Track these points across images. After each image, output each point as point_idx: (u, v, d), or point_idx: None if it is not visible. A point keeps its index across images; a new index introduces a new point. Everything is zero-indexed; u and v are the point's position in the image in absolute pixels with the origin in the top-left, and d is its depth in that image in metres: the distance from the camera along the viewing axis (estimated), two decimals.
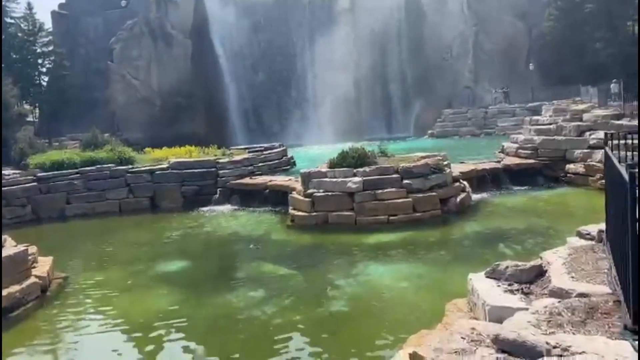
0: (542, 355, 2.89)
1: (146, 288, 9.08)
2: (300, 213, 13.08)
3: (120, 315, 7.87)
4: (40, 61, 39.62)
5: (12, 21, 38.87)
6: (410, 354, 3.95)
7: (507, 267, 4.32)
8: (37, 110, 39.27)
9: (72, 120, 33.84)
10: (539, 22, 38.08)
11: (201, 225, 14.13)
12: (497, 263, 4.41)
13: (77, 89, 38.07)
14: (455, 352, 3.19)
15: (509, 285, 4.14)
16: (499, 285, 4.15)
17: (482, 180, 15.34)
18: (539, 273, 4.22)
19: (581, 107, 18.04)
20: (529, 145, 17.32)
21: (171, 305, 8.11)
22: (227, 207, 16.17)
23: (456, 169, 14.52)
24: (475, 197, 14.02)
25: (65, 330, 7.52)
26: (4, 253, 8.42)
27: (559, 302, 3.53)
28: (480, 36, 39.90)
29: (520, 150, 17.57)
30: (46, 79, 39.56)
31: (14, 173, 17.27)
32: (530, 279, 4.18)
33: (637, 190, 2.73)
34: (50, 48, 39.55)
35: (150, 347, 6.71)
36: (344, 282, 8.60)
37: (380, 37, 39.81)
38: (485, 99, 38.16)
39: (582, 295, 3.62)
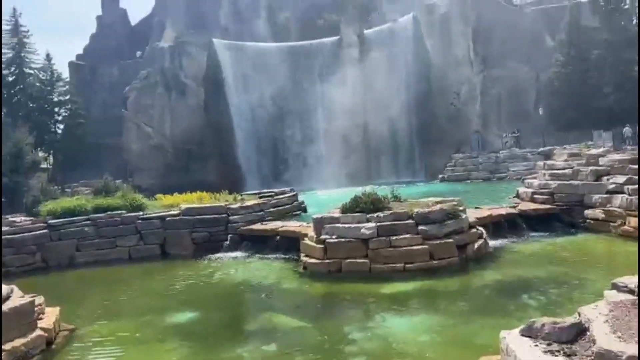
0: None
1: (155, 341, 8.73)
2: (312, 260, 12.76)
3: None
4: (56, 109, 40.67)
5: (31, 72, 40.18)
6: None
7: (543, 324, 4.01)
8: (51, 158, 39.87)
9: (86, 167, 34.23)
10: (546, 68, 38.57)
11: (211, 273, 13.82)
12: (532, 320, 4.10)
13: (92, 136, 38.83)
14: None
15: (548, 345, 3.82)
16: (536, 345, 3.83)
17: (498, 226, 14.97)
18: (580, 331, 3.91)
19: (596, 151, 17.84)
20: (545, 190, 17.03)
21: (180, 359, 7.75)
22: (237, 254, 15.87)
23: (472, 214, 14.21)
24: (492, 243, 13.63)
25: None
26: (10, 305, 8.18)
27: None
28: (488, 81, 40.38)
29: (536, 195, 17.26)
30: (61, 126, 40.45)
31: (24, 220, 17.22)
32: (571, 338, 3.86)
33: None
34: (67, 97, 40.65)
35: None
36: (361, 335, 8.20)
37: (388, 83, 40.40)
38: (495, 143, 38.16)
39: (631, 358, 3.30)
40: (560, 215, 15.97)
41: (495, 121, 39.89)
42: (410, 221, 12.50)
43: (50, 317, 9.08)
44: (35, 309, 8.67)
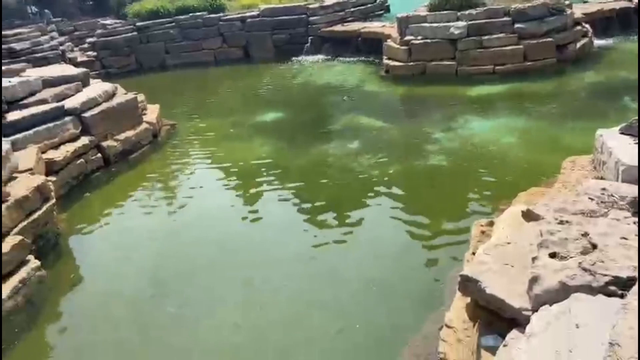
0: None
1: (247, 137, 9.43)
2: (395, 63, 12.38)
3: (224, 161, 8.35)
4: None
5: None
6: (523, 212, 3.73)
7: None
8: None
9: None
10: None
11: (293, 76, 14.00)
12: (635, 118, 3.83)
13: None
14: (583, 213, 2.91)
15: None
16: (636, 143, 3.64)
17: (609, 22, 13.27)
18: None
19: None
20: None
21: (270, 153, 8.44)
22: (318, 57, 15.73)
23: (578, 9, 12.58)
24: (598, 42, 12.28)
25: (177, 171, 8.20)
26: (117, 100, 8.98)
27: None
28: None
29: None
30: None
31: (115, 22, 17.76)
32: None
33: None
34: None
35: (251, 187, 7.17)
36: (443, 135, 8.29)
37: None
38: None
39: None
40: None
41: None
42: (506, 18, 11.37)
43: (152, 113, 9.93)
44: (139, 105, 9.47)
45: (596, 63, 11.22)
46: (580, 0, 14.17)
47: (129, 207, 7.11)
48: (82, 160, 7.88)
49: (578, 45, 11.56)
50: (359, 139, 8.55)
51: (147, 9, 17.69)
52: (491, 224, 4.21)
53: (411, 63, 12.04)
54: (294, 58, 15.90)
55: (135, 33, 17.22)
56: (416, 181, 6.91)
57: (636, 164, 3.33)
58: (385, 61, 12.72)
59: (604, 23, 13.26)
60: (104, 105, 8.67)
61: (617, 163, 3.46)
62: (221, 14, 17.43)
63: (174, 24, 17.33)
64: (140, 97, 9.86)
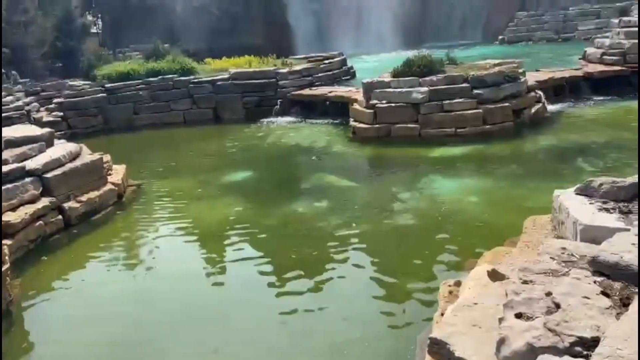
0: None
1: (214, 197, 9.36)
2: (361, 125, 12.76)
3: (191, 221, 8.22)
4: None
5: None
6: (489, 271, 3.77)
7: (601, 183, 3.92)
8: (100, 22, 39.65)
9: (133, 31, 33.98)
10: None
11: (263, 136, 14.20)
12: (590, 179, 4.02)
13: None
14: (545, 272, 2.96)
15: (604, 203, 3.77)
16: (591, 203, 3.80)
17: (559, 89, 14.18)
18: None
19: None
20: (617, 50, 15.60)
21: (238, 213, 8.36)
22: (287, 119, 16.08)
23: (531, 77, 13.43)
24: (551, 108, 13.04)
25: (142, 232, 7.98)
26: (82, 161, 8.84)
27: None
28: None
29: (605, 57, 15.89)
30: None
31: (84, 84, 17.82)
32: (629, 197, 3.78)
33: None
34: None
35: (219, 249, 7.02)
36: (409, 195, 8.45)
37: None
38: None
39: None
40: (631, 78, 14.78)
41: None
42: (465, 85, 12.01)
43: (118, 173, 9.79)
44: (104, 165, 9.34)
45: (550, 127, 11.85)
46: (532, 68, 15.15)
47: (89, 272, 6.82)
48: (41, 222, 7.62)
49: (533, 110, 12.23)
50: (327, 199, 8.61)
51: (118, 71, 17.90)
52: (458, 283, 4.24)
53: (377, 125, 12.43)
54: (263, 120, 16.19)
55: (104, 94, 17.28)
56: (384, 241, 6.94)
57: (593, 224, 3.47)
58: (352, 123, 13.10)
59: (555, 90, 14.14)
60: (68, 166, 8.52)
61: (575, 223, 3.59)
62: (191, 77, 17.77)
63: (144, 85, 17.52)
64: (106, 157, 9.76)
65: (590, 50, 17.23)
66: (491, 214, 7.26)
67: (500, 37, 33.20)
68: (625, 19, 17.57)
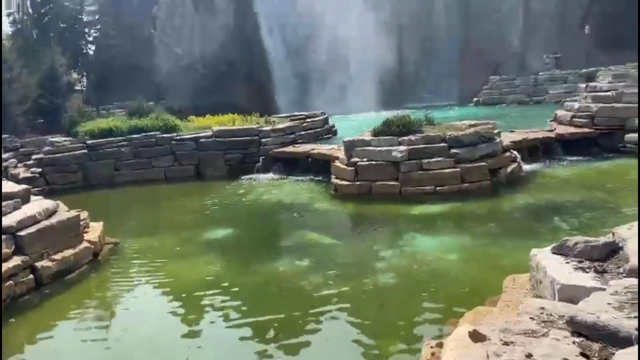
0: (627, 341, 2.64)
1: (194, 255, 9.21)
2: (343, 182, 12.91)
3: (170, 280, 8.03)
4: (87, 30, 40.40)
5: None
6: (470, 332, 3.75)
7: (576, 243, 4.02)
8: (84, 79, 40.25)
9: (118, 89, 34.53)
10: None
11: (245, 193, 14.22)
12: (565, 239, 4.12)
13: (122, 56, 38.73)
14: (525, 333, 2.97)
15: (579, 262, 3.85)
16: (567, 262, 3.87)
17: (533, 150, 14.68)
18: (613, 250, 3.91)
19: None
20: (585, 113, 16.37)
21: (219, 272, 8.21)
22: (269, 176, 16.20)
23: (506, 138, 13.92)
24: (526, 167, 13.44)
25: (117, 292, 7.75)
26: (58, 218, 8.69)
27: None
28: None
29: (575, 119, 16.65)
30: (92, 47, 40.40)
31: (65, 140, 17.82)
32: (603, 257, 3.87)
33: None
34: (97, 17, 40.18)
35: (197, 309, 6.83)
36: (390, 253, 8.45)
37: (423, 3, 38.33)
38: (534, 65, 36.32)
39: None
40: (599, 140, 15.47)
41: (536, 42, 37.66)
42: (442, 144, 12.36)
43: (94, 231, 9.63)
44: (81, 222, 9.19)
45: (525, 186, 12.16)
46: (507, 129, 15.72)
47: (59, 334, 6.54)
48: (11, 282, 7.35)
49: (509, 169, 12.59)
50: (308, 257, 8.55)
51: (101, 127, 18.00)
52: (440, 345, 4.18)
53: (358, 183, 12.59)
54: (245, 177, 16.28)
55: (85, 150, 17.27)
56: (365, 300, 6.86)
57: (569, 283, 3.52)
58: (334, 180, 13.26)
59: (529, 150, 14.63)
60: (43, 223, 8.34)
61: (552, 282, 3.64)
62: (174, 134, 17.94)
63: (126, 142, 17.59)
64: (83, 214, 9.62)
65: (560, 112, 18.03)
66: (471, 273, 7.28)
67: (475, 99, 34.60)
68: (591, 84, 18.55)
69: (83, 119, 19.94)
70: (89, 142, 17.49)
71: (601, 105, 15.98)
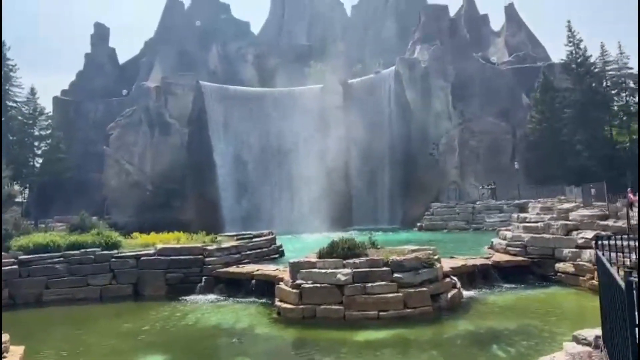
0: None
1: None
2: (286, 305, 12.69)
3: None
4: (37, 144, 40.34)
5: (14, 105, 40.11)
6: None
7: None
8: (26, 192, 39.25)
9: (63, 203, 33.77)
10: (522, 123, 40.17)
11: (183, 316, 13.58)
12: None
13: (71, 171, 38.48)
14: None
15: None
16: None
17: (472, 276, 15.18)
18: None
19: (567, 205, 18.41)
20: (518, 242, 17.41)
21: None
22: (211, 297, 15.67)
23: (446, 264, 14.42)
24: (466, 294, 13.77)
25: None
26: None
27: None
28: (466, 134, 41.61)
29: (509, 247, 17.62)
30: (40, 160, 40.06)
31: None
32: None
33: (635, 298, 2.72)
34: (49, 132, 40.45)
35: None
36: None
37: (370, 132, 41.47)
38: (472, 193, 38.92)
39: None
40: (532, 268, 16.29)
41: (472, 172, 40.83)
42: (385, 268, 12.61)
43: (14, 356, 8.80)
44: (0, 347, 8.42)
45: (466, 312, 12.37)
46: (447, 254, 16.33)
47: None
48: None
49: (449, 295, 12.86)
50: None
51: (36, 242, 17.21)
52: None
53: (302, 306, 12.39)
54: (186, 297, 15.66)
55: (15, 266, 16.27)
56: None
57: None
58: (277, 303, 13.00)
59: (469, 277, 15.12)
60: None
61: None
62: (115, 251, 17.37)
63: (62, 258, 16.79)
64: (4, 337, 8.83)
65: (496, 240, 19.08)
66: None
67: (418, 224, 36.08)
68: (522, 215, 20.02)
69: (18, 232, 19.05)
70: (21, 257, 16.57)
71: (531, 235, 17.10)
